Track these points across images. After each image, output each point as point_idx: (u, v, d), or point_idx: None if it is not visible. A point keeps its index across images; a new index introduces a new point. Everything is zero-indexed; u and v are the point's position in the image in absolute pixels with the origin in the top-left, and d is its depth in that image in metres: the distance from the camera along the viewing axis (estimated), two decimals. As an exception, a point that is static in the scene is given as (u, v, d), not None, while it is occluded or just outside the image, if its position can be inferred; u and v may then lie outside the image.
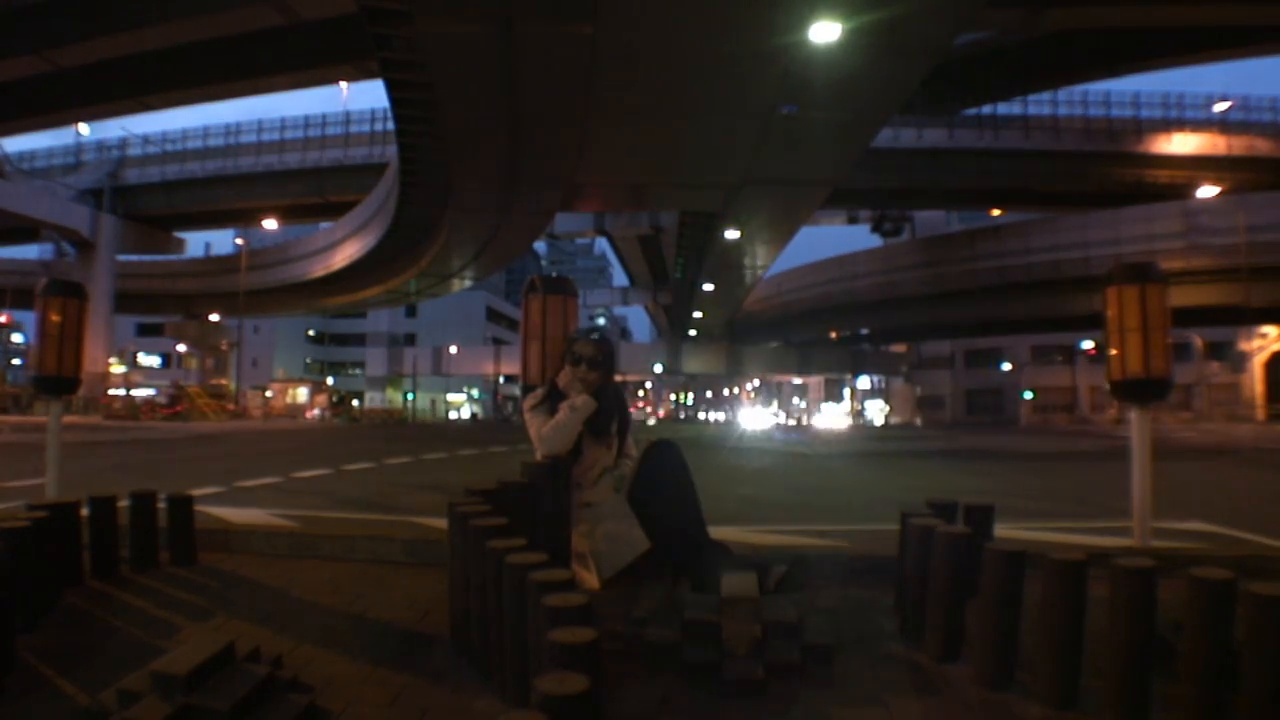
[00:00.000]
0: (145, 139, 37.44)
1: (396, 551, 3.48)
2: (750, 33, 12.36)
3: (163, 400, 38.18)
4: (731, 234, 27.52)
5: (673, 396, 71.78)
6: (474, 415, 63.42)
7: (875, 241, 43.58)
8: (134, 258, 41.68)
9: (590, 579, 2.68)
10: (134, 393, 42.07)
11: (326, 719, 1.85)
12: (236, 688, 1.74)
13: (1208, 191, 29.67)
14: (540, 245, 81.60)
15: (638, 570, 2.69)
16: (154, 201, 37.62)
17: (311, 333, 72.79)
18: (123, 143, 38.59)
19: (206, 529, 3.68)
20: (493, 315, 76.37)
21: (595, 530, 2.75)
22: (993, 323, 39.82)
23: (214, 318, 44.73)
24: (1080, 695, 1.91)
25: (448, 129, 16.77)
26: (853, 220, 44.41)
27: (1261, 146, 31.37)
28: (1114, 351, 3.51)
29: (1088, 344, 49.42)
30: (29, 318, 45.26)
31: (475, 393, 70.19)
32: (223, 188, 35.85)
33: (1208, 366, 43.57)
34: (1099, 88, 31.51)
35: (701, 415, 74.39)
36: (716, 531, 2.87)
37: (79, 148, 39.73)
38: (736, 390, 69.07)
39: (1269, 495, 8.32)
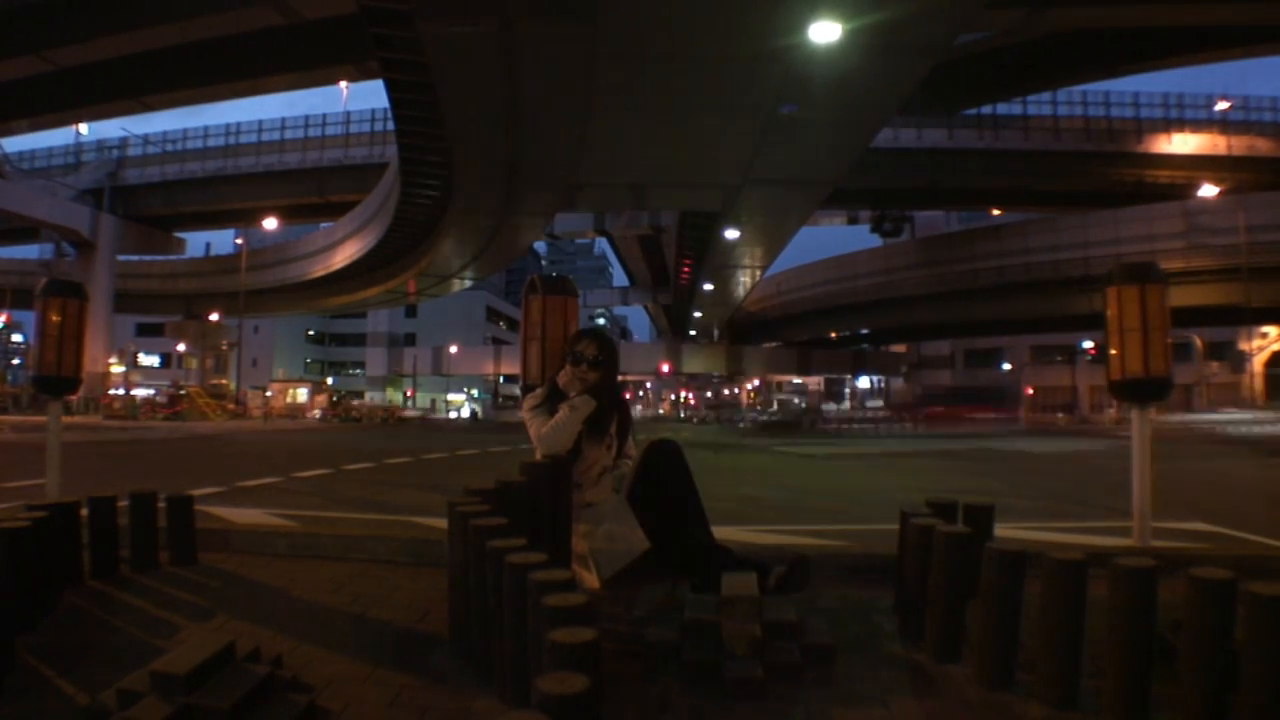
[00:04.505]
0: (145, 139, 37.44)
1: (396, 551, 3.48)
2: (751, 33, 12.35)
3: (162, 400, 38.14)
4: (731, 234, 27.51)
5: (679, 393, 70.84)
6: (474, 415, 63.40)
7: (875, 241, 43.53)
8: (134, 258, 41.65)
9: (590, 579, 2.68)
10: (134, 393, 42.05)
11: (326, 719, 1.85)
12: (236, 688, 1.74)
13: (1208, 191, 29.65)
14: (540, 245, 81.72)
15: (638, 570, 2.68)
16: (154, 201, 37.60)
17: (311, 333, 72.76)
18: (123, 143, 38.57)
19: (206, 529, 3.68)
20: (493, 315, 76.33)
21: (595, 530, 2.74)
22: (993, 323, 39.81)
23: (214, 318, 44.71)
24: (1080, 695, 1.91)
25: (448, 129, 16.75)
26: (853, 220, 44.38)
27: (1261, 146, 31.35)
28: (1114, 351, 3.51)
29: (1088, 344, 49.43)
30: (29, 318, 45.24)
31: (476, 393, 70.15)
32: (223, 188, 35.82)
33: (1208, 366, 43.51)
34: (1099, 88, 31.53)
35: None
36: (716, 531, 2.87)
37: (79, 148, 39.72)
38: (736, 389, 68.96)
39: (1269, 495, 8.32)
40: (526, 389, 3.17)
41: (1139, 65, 29.43)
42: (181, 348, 51.87)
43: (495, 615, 1.98)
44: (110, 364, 40.90)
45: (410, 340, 66.28)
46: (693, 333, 56.11)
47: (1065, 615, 1.90)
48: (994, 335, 49.83)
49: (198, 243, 51.90)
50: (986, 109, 31.22)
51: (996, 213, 41.49)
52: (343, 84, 32.80)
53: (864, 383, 64.31)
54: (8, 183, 33.98)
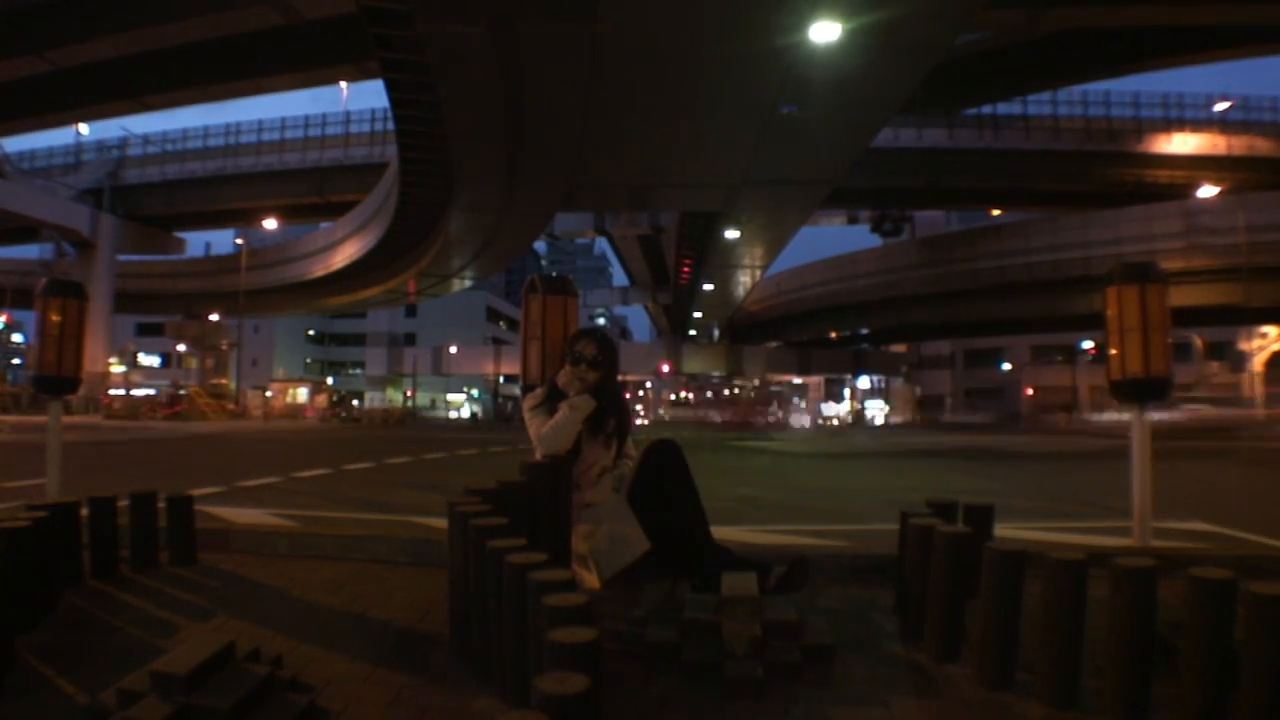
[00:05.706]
0: (145, 139, 37.42)
1: (396, 551, 3.48)
2: (751, 33, 12.35)
3: (162, 400, 38.13)
4: (731, 234, 27.51)
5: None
6: (474, 415, 63.38)
7: (875, 241, 43.54)
8: (134, 258, 41.64)
9: (590, 579, 2.68)
10: (134, 392, 42.03)
11: (326, 719, 1.85)
12: (236, 688, 1.74)
13: (1208, 191, 29.63)
14: (540, 245, 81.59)
15: (638, 570, 2.68)
16: (154, 201, 37.60)
17: (311, 333, 72.73)
18: (123, 143, 38.56)
19: (206, 529, 3.68)
20: (493, 315, 76.31)
21: (595, 530, 2.74)
22: (993, 323, 39.79)
23: (214, 318, 44.71)
24: (1080, 695, 1.91)
25: (448, 129, 16.75)
26: (853, 220, 44.37)
27: (1261, 146, 31.34)
28: (1114, 351, 3.51)
29: (1088, 344, 49.40)
30: (29, 318, 45.25)
31: (475, 392, 70.11)
32: (223, 188, 35.83)
33: (1208, 366, 43.48)
34: (1099, 88, 31.52)
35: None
36: (716, 531, 2.87)
37: (79, 148, 39.69)
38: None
39: (1269, 495, 8.32)
40: (526, 389, 3.17)
41: (1139, 65, 29.42)
42: (181, 348, 51.85)
43: (495, 615, 1.98)
44: (110, 364, 40.89)
45: (410, 340, 66.27)
46: (693, 333, 56.08)
47: (1065, 615, 1.90)
48: (994, 335, 49.81)
49: (198, 243, 51.93)
50: (986, 109, 31.20)
51: (996, 213, 41.51)
52: (343, 84, 32.81)
53: (864, 383, 64.26)
54: (8, 183, 33.96)
